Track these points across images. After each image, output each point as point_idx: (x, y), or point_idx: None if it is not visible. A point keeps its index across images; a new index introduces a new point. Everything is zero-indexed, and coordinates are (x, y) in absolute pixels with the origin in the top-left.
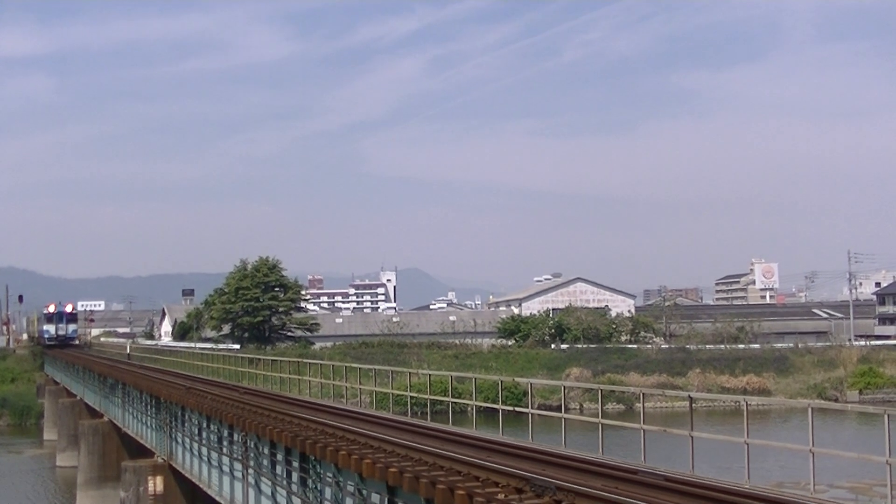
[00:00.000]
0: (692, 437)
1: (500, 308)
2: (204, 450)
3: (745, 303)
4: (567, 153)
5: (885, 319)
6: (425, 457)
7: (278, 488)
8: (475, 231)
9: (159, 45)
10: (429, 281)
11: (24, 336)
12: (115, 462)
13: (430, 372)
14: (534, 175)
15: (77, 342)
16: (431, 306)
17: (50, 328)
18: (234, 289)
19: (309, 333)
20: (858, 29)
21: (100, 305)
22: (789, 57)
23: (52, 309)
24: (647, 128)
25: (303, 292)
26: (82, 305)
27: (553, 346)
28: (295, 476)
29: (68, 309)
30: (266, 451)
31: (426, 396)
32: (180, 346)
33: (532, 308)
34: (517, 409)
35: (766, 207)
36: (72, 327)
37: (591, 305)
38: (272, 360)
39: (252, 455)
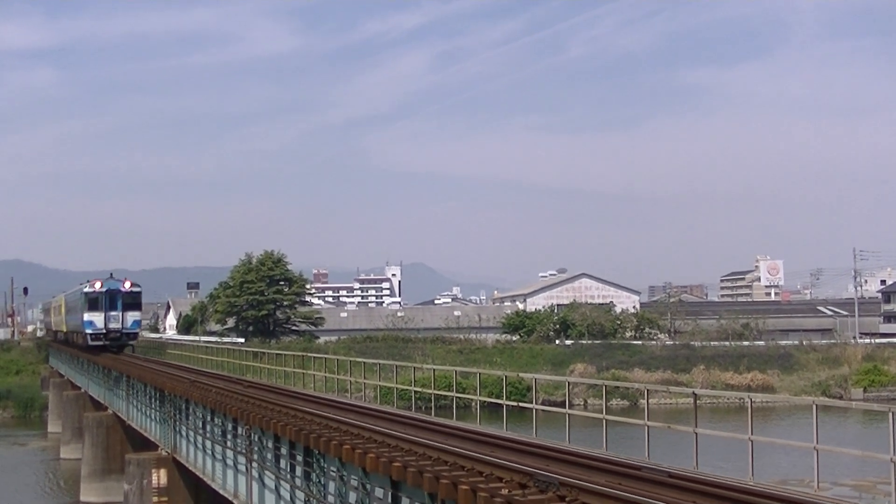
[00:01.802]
0: (696, 434)
1: (505, 303)
2: (208, 443)
3: (749, 300)
4: (572, 149)
5: (890, 317)
6: (429, 451)
7: (282, 482)
8: (480, 226)
9: (163, 39)
10: (433, 276)
11: (30, 328)
12: (119, 455)
13: (435, 367)
14: (538, 171)
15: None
16: (436, 301)
17: (95, 318)
18: (239, 282)
19: (313, 327)
20: (862, 26)
21: None
22: (793, 54)
23: (98, 286)
24: (652, 124)
25: (307, 286)
26: None
27: (557, 341)
28: (299, 470)
29: (126, 286)
30: (270, 444)
31: (430, 391)
32: (185, 340)
33: (537, 304)
34: (521, 404)
35: (771, 204)
36: (132, 317)
37: (595, 301)
38: (276, 354)
39: (256, 449)
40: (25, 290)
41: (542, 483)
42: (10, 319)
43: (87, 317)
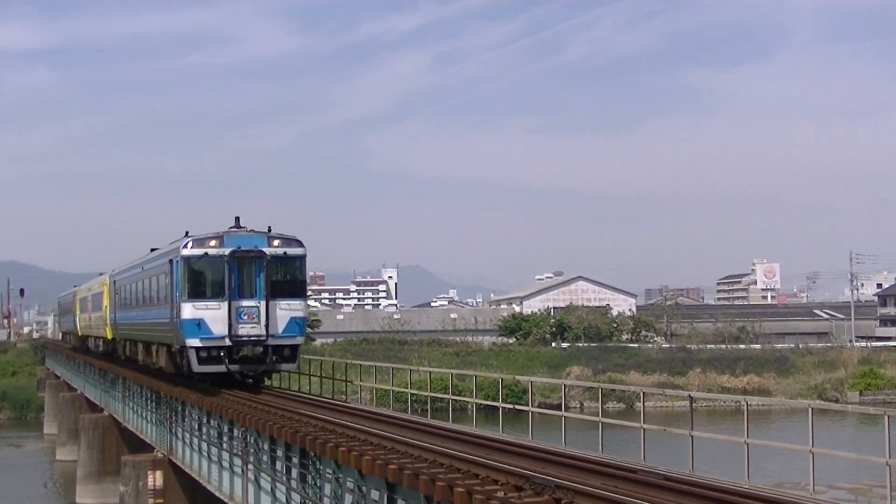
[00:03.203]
0: (692, 437)
1: (502, 306)
2: (204, 445)
3: (746, 303)
4: (570, 151)
5: (886, 321)
6: (425, 454)
7: (278, 484)
8: (477, 228)
9: (162, 40)
10: (430, 278)
11: (26, 330)
12: (115, 456)
13: (431, 369)
14: (536, 172)
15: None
16: (432, 304)
17: (208, 314)
18: None
19: (310, 330)
20: (862, 28)
21: None
22: (792, 56)
23: (213, 245)
24: (650, 126)
25: None
26: None
27: (554, 344)
28: (295, 472)
29: (275, 245)
30: (266, 446)
31: (426, 393)
32: None
33: (533, 306)
34: (517, 406)
35: (768, 207)
36: (290, 311)
37: (592, 304)
38: None
39: (252, 451)
40: (22, 292)
41: (538, 486)
42: (6, 321)
43: (187, 311)
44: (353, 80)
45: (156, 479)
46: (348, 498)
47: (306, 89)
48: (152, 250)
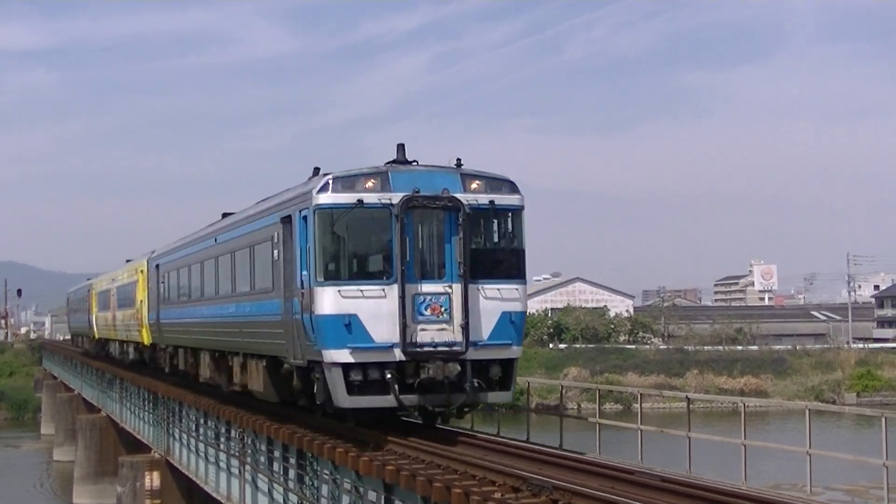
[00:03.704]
0: (689, 438)
1: None
2: (201, 446)
3: (743, 304)
4: (570, 151)
5: (884, 322)
6: (422, 455)
7: (275, 485)
8: None
9: (162, 40)
10: None
11: (23, 330)
12: (113, 457)
13: None
14: (536, 172)
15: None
16: None
17: (363, 305)
18: None
19: None
20: (861, 29)
21: None
22: (792, 56)
23: (371, 187)
24: (650, 126)
25: None
26: None
27: (551, 345)
28: (292, 473)
29: (474, 190)
30: (263, 447)
31: None
32: None
33: (530, 307)
34: (515, 407)
35: (766, 208)
36: (500, 302)
37: (589, 305)
38: None
39: (249, 452)
40: (19, 292)
41: (536, 487)
42: (3, 321)
43: (328, 302)
44: (353, 80)
45: (153, 479)
46: (345, 499)
47: (306, 89)
48: (225, 215)
